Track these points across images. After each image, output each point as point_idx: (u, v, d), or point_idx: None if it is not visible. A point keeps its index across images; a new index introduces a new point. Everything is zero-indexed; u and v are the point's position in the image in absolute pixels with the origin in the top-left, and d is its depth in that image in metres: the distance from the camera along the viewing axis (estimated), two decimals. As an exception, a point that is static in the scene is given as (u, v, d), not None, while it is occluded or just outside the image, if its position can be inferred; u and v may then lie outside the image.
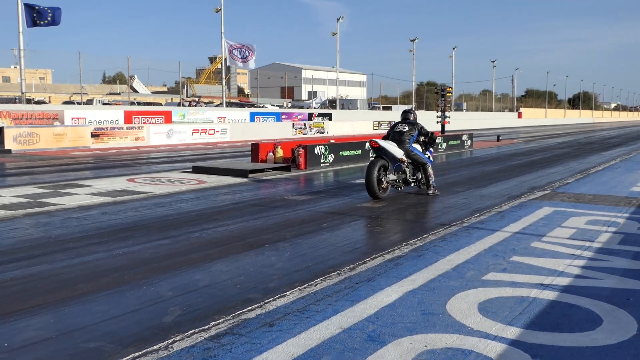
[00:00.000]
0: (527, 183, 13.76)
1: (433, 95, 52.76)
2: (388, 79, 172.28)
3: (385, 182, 10.86)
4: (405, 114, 11.75)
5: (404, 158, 11.10)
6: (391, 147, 11.00)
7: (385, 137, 11.48)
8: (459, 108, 78.49)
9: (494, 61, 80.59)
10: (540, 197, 11.29)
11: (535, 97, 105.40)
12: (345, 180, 14.42)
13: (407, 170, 11.25)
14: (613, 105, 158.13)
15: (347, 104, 61.97)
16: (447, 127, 31.93)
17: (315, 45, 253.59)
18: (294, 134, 35.95)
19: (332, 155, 17.61)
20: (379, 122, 44.96)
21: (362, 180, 13.97)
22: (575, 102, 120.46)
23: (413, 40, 61.02)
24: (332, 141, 19.01)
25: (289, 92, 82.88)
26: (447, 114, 29.85)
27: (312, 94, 76.99)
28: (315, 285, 5.62)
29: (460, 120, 56.69)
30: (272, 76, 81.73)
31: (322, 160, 17.17)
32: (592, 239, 7.65)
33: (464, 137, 26.69)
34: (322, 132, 38.64)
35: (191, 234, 7.86)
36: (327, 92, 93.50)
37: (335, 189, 12.67)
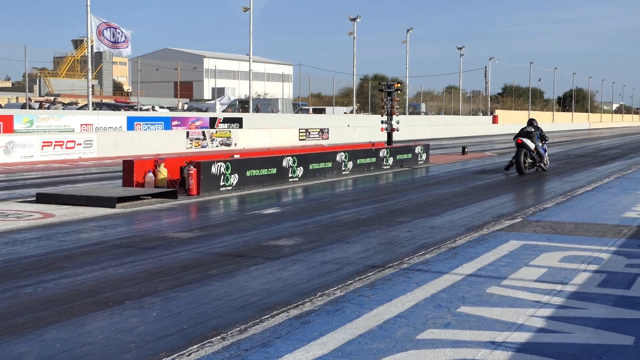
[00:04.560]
0: (493, 209, 14.22)
1: (381, 93, 53.07)
2: (322, 72, 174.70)
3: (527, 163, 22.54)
4: (530, 121, 23.74)
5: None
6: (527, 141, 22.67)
7: (516, 137, 22.92)
8: (415, 110, 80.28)
9: (461, 48, 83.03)
10: (508, 228, 11.70)
11: (516, 96, 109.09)
12: (251, 210, 14.48)
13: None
14: (615, 106, 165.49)
15: (265, 105, 62.25)
16: (397, 136, 32.55)
17: (222, 26, 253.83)
18: (188, 147, 35.77)
19: (237, 175, 17.65)
20: (306, 130, 45.35)
21: (274, 210, 14.15)
22: (567, 101, 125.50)
23: (354, 20, 62.03)
24: (237, 156, 19.05)
25: (186, 89, 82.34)
26: (396, 118, 30.41)
27: (218, 92, 76.88)
28: (189, 354, 5.61)
29: (416, 127, 57.91)
30: (162, 67, 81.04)
31: (222, 183, 17.17)
32: (566, 280, 7.98)
33: (418, 150, 27.33)
34: (229, 144, 38.64)
35: (22, 289, 7.68)
36: (240, 89, 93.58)
37: (235, 221, 12.70)
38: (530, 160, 22.52)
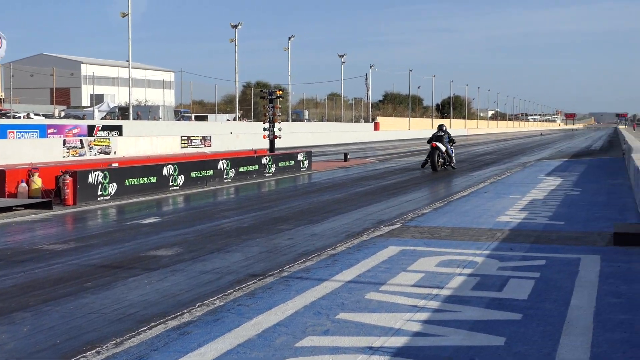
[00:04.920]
0: (373, 215, 14.47)
1: (263, 100, 52.64)
2: (204, 79, 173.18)
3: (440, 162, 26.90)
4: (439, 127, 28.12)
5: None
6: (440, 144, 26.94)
7: (430, 140, 27.08)
8: (298, 117, 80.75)
9: (342, 56, 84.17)
10: (387, 234, 11.92)
11: (396, 103, 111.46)
12: (130, 220, 14.19)
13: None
14: (490, 112, 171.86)
15: (146, 112, 61.18)
16: (280, 143, 32.65)
17: (100, 31, 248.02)
18: (65, 156, 34.70)
19: (115, 184, 17.26)
20: (188, 138, 44.84)
21: (153, 220, 13.95)
22: (445, 108, 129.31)
23: (235, 26, 61.92)
24: (115, 165, 18.65)
25: (62, 96, 79.84)
26: (279, 125, 30.50)
27: (97, 99, 74.98)
28: (61, 371, 5.45)
29: (299, 134, 58.22)
30: (37, 73, 78.40)
31: (100, 192, 16.76)
32: (442, 284, 8.20)
33: (300, 157, 27.50)
34: (108, 153, 37.73)
35: None
36: (120, 96, 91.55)
37: (113, 232, 12.42)
38: (441, 160, 26.96)
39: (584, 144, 64.13)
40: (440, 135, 27.11)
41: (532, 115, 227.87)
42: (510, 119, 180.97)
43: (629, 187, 19.73)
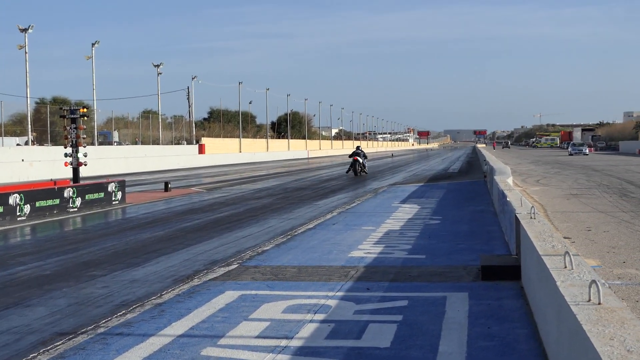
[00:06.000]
0: (204, 255, 14.41)
1: (64, 120, 50.70)
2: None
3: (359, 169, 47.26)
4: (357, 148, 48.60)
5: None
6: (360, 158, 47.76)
7: (351, 155, 48.05)
8: (106, 139, 79.31)
9: (158, 65, 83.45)
10: (223, 276, 11.92)
11: (225, 121, 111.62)
12: None
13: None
14: (334, 131, 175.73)
15: None
16: (85, 171, 31.91)
17: None
18: None
19: None
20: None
21: None
22: (282, 127, 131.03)
23: (25, 30, 60.14)
24: None
25: None
26: (84, 149, 29.82)
27: None
28: None
29: (109, 160, 57.25)
30: None
31: None
32: (291, 334, 8.27)
33: (112, 187, 26.99)
34: None
35: None
36: None
37: None
38: (359, 169, 45.57)
39: (441, 165, 66.77)
40: (359, 152, 45.84)
41: (381, 134, 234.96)
42: (357, 139, 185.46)
43: (493, 214, 20.72)
